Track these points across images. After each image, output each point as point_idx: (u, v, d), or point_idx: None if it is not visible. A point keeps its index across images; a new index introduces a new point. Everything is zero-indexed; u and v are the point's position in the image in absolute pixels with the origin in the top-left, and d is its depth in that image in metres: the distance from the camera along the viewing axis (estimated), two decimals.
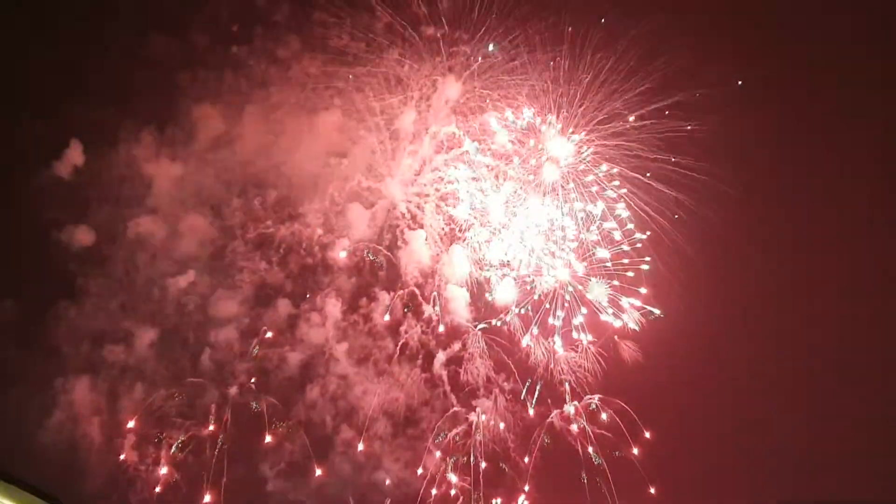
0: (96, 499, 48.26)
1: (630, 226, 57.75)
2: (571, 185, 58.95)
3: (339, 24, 56.73)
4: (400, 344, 58.86)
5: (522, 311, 58.07)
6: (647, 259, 57.22)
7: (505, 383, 58.79)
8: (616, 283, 57.76)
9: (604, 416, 57.58)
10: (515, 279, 58.68)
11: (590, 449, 57.80)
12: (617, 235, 58.34)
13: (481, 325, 58.66)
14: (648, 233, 57.23)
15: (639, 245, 57.67)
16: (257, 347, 56.16)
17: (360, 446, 58.07)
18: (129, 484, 51.34)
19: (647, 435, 56.56)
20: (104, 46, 53.77)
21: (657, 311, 56.94)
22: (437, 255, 59.13)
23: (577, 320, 57.86)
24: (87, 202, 53.31)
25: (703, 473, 54.64)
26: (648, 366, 57.16)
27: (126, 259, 54.64)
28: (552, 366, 58.26)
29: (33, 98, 52.73)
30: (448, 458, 59.32)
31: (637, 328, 57.15)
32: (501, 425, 58.97)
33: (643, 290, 57.29)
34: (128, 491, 51.24)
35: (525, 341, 58.17)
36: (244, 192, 57.24)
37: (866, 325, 55.05)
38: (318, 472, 56.50)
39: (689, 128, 56.04)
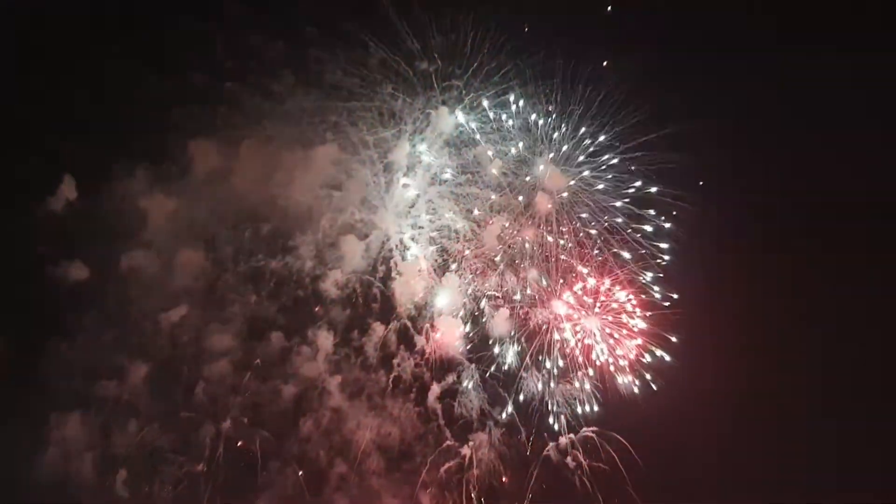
0: None
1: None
2: (564, 215, 60.11)
3: (334, 60, 58.22)
4: (393, 377, 59.60)
5: (517, 343, 58.96)
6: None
7: (500, 416, 59.42)
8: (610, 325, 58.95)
9: (600, 451, 58.15)
10: (510, 311, 59.49)
11: (586, 482, 58.34)
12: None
13: (475, 357, 59.44)
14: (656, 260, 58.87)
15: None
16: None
17: (354, 481, 58.73)
18: None
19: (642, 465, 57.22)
20: (98, 82, 54.92)
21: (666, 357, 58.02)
22: (431, 286, 59.99)
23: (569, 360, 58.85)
24: (80, 237, 54.13)
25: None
26: (645, 399, 57.83)
27: (119, 293, 55.34)
28: (547, 398, 59.00)
29: (26, 134, 53.81)
30: (444, 492, 59.85)
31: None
32: (496, 458, 59.54)
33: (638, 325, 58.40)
34: None
35: (520, 373, 59.00)
36: (237, 226, 58.22)
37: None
38: None
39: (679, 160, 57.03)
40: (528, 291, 59.54)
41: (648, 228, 58.39)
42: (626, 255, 58.65)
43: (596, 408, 58.40)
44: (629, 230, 59.24)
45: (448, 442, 59.67)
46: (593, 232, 59.61)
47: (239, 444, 56.07)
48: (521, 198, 60.04)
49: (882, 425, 55.31)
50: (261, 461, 56.83)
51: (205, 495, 54.86)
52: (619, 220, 59.32)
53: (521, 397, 59.14)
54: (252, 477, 56.57)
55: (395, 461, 60.21)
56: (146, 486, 53.13)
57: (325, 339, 58.81)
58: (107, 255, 54.52)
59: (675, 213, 57.54)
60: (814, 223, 57.81)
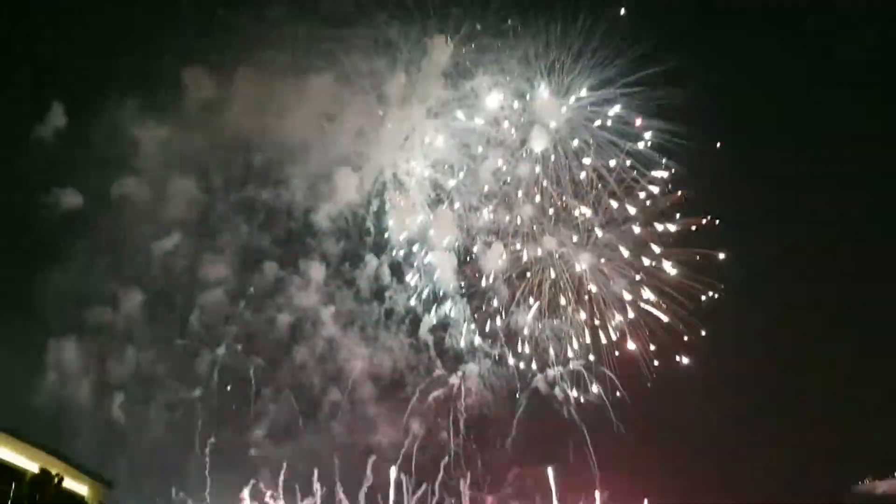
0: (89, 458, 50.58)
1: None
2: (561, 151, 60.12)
3: None
4: (385, 309, 60.89)
5: (509, 278, 59.85)
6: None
7: (490, 349, 60.83)
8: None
9: (587, 383, 59.68)
10: (503, 246, 59.99)
11: (573, 413, 60.19)
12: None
13: (467, 291, 60.47)
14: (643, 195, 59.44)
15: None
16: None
17: (346, 407, 60.75)
18: (120, 443, 53.65)
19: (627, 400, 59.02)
20: (88, 7, 54.11)
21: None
22: (425, 221, 60.49)
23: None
24: (72, 165, 54.37)
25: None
26: (634, 335, 59.01)
27: (111, 221, 56.05)
28: (536, 332, 60.30)
29: (11, 60, 53.42)
30: (435, 419, 61.88)
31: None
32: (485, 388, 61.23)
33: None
34: (118, 450, 53.50)
35: (511, 307, 60.13)
36: (230, 156, 58.52)
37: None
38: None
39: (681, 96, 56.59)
40: (522, 227, 60.14)
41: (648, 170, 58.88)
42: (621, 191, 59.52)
43: (585, 342, 59.66)
44: (627, 165, 59.53)
45: (438, 372, 61.37)
46: (588, 165, 59.94)
47: None
48: (516, 132, 60.29)
49: None
50: (255, 388, 58.64)
51: (200, 420, 56.97)
52: (617, 156, 59.66)
53: (512, 330, 60.45)
54: (247, 403, 58.51)
55: (387, 390, 62.15)
56: (143, 410, 54.98)
57: (317, 271, 59.92)
58: (99, 184, 55.12)
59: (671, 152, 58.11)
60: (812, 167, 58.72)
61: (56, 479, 29.74)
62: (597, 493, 59.21)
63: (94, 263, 55.56)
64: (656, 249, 58.59)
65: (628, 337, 58.89)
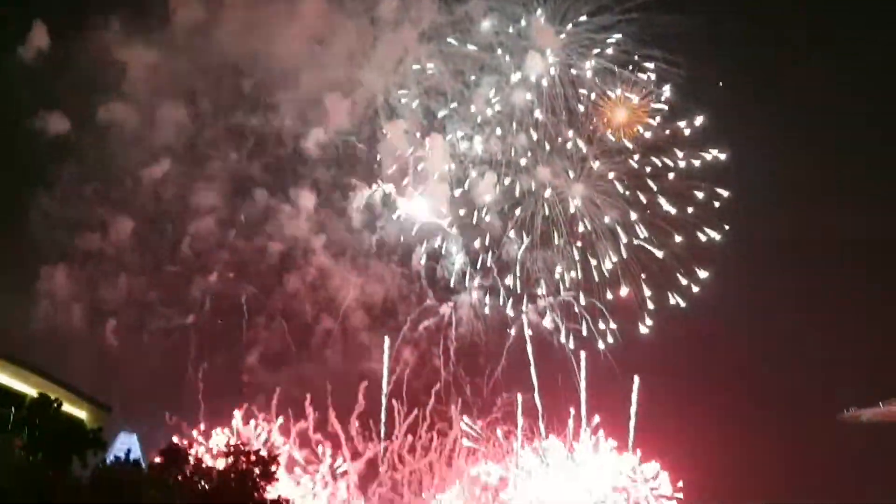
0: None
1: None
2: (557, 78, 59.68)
3: None
4: (376, 239, 61.21)
5: (501, 209, 60.14)
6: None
7: (482, 280, 61.55)
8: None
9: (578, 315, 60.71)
10: (497, 176, 59.96)
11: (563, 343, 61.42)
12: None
13: (460, 221, 60.72)
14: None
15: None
16: None
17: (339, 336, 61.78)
18: (114, 369, 54.51)
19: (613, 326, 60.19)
20: None
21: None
22: (417, 148, 60.26)
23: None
24: (58, 88, 53.63)
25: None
26: (623, 268, 59.89)
27: (99, 147, 55.71)
28: (529, 262, 60.99)
29: None
30: (427, 348, 63.04)
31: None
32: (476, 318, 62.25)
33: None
34: (112, 376, 54.43)
35: (503, 237, 60.64)
36: (218, 81, 57.78)
37: None
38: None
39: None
40: (516, 158, 60.09)
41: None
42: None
43: (576, 274, 60.45)
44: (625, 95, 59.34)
45: (430, 301, 62.20)
46: (585, 94, 59.68)
47: None
48: (511, 59, 59.67)
49: None
50: (247, 315, 59.41)
51: (193, 347, 57.87)
52: (614, 86, 59.37)
53: (504, 262, 61.09)
54: (239, 330, 59.39)
55: (378, 318, 63.09)
56: (135, 337, 55.74)
57: (308, 199, 59.92)
58: (85, 108, 54.42)
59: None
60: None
61: (55, 404, 30.34)
62: (583, 421, 61.06)
63: (82, 190, 55.43)
64: (653, 185, 58.93)
65: (620, 272, 60.01)
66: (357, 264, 61.00)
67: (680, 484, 58.11)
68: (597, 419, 59.64)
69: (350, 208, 60.14)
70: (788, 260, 60.12)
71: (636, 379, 59.37)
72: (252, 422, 56.60)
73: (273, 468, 34.12)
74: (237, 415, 56.23)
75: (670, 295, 58.87)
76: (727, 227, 58.14)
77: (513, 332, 63.37)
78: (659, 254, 58.48)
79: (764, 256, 60.36)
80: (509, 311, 62.05)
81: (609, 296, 59.30)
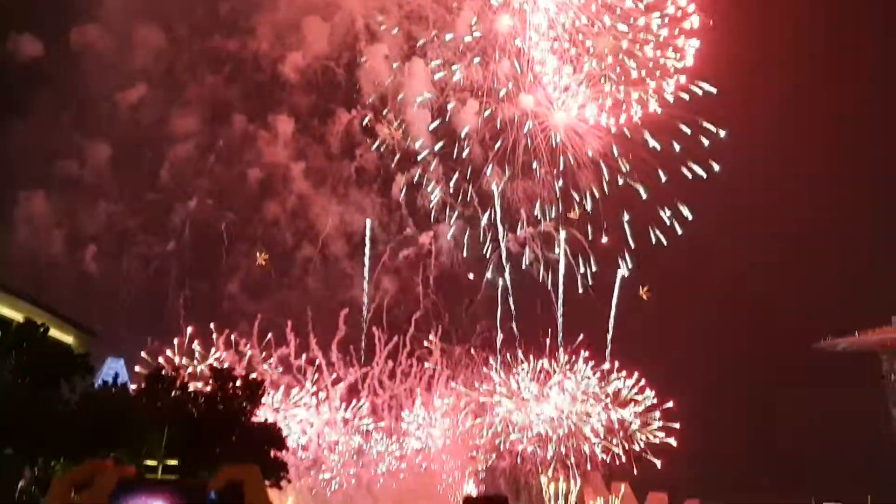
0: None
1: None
2: None
3: None
4: (356, 167, 61.39)
5: (483, 138, 60.30)
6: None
7: (464, 209, 62.12)
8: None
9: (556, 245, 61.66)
10: (479, 105, 59.85)
11: (542, 272, 62.65)
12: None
13: (440, 150, 60.87)
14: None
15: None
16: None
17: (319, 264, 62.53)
18: (95, 295, 55.00)
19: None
20: None
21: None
22: (398, 75, 59.89)
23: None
24: (29, 10, 52.55)
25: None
26: (604, 199, 60.64)
27: (73, 71, 54.83)
28: (509, 193, 61.59)
29: None
30: (407, 277, 64.03)
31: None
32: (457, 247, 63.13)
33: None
34: (93, 302, 54.99)
35: (484, 168, 61.02)
36: (196, 3, 56.75)
37: None
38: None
39: None
40: (497, 85, 59.93)
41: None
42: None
43: (558, 206, 61.17)
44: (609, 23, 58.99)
45: (410, 231, 62.89)
46: (570, 17, 59.20)
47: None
48: None
49: None
50: (227, 242, 59.81)
51: (174, 274, 58.42)
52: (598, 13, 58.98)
53: (484, 191, 61.62)
54: (219, 257, 59.90)
55: (358, 247, 63.80)
56: (116, 263, 56.08)
57: (286, 125, 59.71)
58: (58, 31, 53.43)
59: None
60: None
61: (42, 328, 30.94)
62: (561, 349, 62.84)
63: (58, 115, 54.77)
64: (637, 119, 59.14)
65: (602, 206, 60.84)
66: (337, 192, 61.32)
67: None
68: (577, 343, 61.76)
69: (329, 135, 59.99)
70: (771, 197, 61.32)
71: (613, 304, 61.41)
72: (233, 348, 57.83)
73: (259, 392, 35.18)
74: (220, 343, 57.43)
75: (651, 231, 59.94)
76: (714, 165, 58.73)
77: (492, 262, 64.62)
78: (642, 190, 59.22)
79: (749, 194, 61.47)
80: (489, 242, 63.17)
81: (589, 230, 60.44)
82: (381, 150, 60.66)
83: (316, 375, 60.69)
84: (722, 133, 57.93)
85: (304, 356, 60.74)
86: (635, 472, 63.80)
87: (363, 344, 62.74)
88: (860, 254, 60.93)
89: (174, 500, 0.84)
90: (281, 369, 58.73)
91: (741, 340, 62.35)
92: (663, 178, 58.73)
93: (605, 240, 60.46)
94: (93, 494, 0.84)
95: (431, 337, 62.74)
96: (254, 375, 37.97)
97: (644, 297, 61.80)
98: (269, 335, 60.22)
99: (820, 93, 60.76)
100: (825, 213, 60.22)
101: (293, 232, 62.63)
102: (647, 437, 62.10)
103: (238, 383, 34.96)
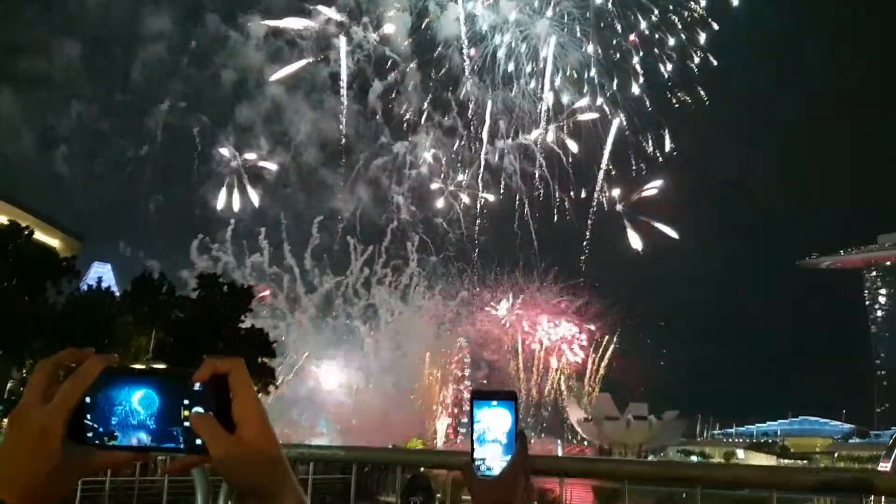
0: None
1: None
2: None
3: None
4: (330, 72, 60.65)
5: (464, 45, 59.85)
6: None
7: (443, 119, 62.13)
8: None
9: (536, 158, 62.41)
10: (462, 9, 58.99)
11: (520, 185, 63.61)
12: None
13: (421, 58, 60.37)
14: None
15: None
16: None
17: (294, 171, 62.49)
18: (68, 199, 54.68)
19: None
20: None
21: None
22: None
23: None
24: None
25: None
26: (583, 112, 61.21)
27: None
28: (489, 103, 61.68)
29: None
30: (384, 187, 64.40)
31: None
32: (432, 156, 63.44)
33: None
34: (66, 206, 54.71)
35: (464, 77, 60.83)
36: None
37: None
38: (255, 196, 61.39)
39: None
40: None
41: None
42: None
43: (540, 118, 61.60)
44: None
45: (385, 139, 62.74)
46: None
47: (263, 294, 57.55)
48: None
49: None
50: (200, 147, 59.28)
51: (146, 178, 58.05)
52: None
53: (463, 101, 61.60)
54: (192, 162, 59.48)
55: (333, 156, 63.71)
56: (88, 167, 55.53)
57: (259, 27, 58.53)
58: None
59: None
60: None
61: (26, 232, 31.07)
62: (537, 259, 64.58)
63: (21, 8, 53.06)
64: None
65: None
66: (311, 99, 60.70)
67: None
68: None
69: (304, 36, 58.90)
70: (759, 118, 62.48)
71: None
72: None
73: (247, 300, 35.97)
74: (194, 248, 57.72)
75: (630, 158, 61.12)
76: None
77: (469, 172, 65.22)
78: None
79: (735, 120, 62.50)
80: (467, 151, 63.61)
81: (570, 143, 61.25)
82: (357, 56, 59.86)
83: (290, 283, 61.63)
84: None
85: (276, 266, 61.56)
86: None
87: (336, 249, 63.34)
88: (845, 177, 63.22)
89: (157, 387, 0.83)
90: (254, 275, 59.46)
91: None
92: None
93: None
94: (78, 378, 0.82)
95: None
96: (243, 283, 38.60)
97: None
98: (244, 242, 60.81)
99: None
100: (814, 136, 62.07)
101: (268, 137, 62.24)
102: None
103: (226, 289, 35.64)
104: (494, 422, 1.16)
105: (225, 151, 60.87)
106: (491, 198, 64.16)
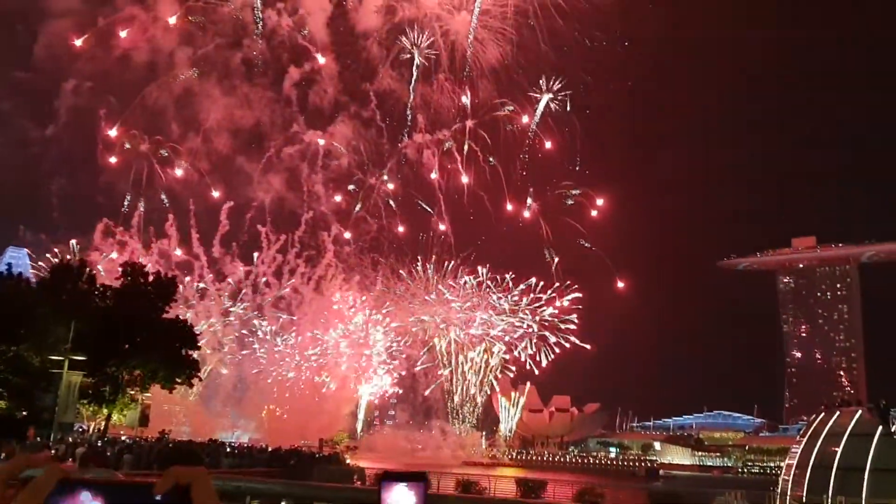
0: None
1: None
2: None
3: None
4: (243, 58, 60.17)
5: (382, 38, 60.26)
6: None
7: (362, 110, 62.56)
8: None
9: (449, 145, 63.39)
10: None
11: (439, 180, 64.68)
12: None
13: (338, 47, 60.53)
14: None
15: None
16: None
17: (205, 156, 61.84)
18: None
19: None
20: None
21: None
22: None
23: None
24: None
25: None
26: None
27: None
28: (410, 98, 62.48)
29: None
30: (299, 176, 64.47)
31: None
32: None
33: None
34: None
35: (382, 67, 61.32)
36: None
37: None
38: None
39: None
40: None
41: None
42: None
43: (461, 111, 62.77)
44: None
45: (298, 129, 62.75)
46: None
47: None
48: None
49: None
50: (105, 129, 58.04)
51: (49, 160, 56.48)
52: None
53: (382, 92, 62.15)
54: (97, 144, 58.26)
55: (246, 143, 63.43)
56: None
57: (170, 7, 57.75)
58: None
59: None
60: None
61: None
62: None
63: None
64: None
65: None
66: (223, 85, 60.13)
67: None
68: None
69: (217, 20, 58.43)
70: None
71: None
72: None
73: (171, 290, 35.70)
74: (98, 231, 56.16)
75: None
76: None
77: (389, 164, 65.88)
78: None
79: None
80: (384, 143, 64.16)
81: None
82: (272, 42, 59.55)
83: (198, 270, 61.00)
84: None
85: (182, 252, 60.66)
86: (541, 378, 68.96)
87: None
88: (763, 180, 66.68)
89: (115, 499, 0.85)
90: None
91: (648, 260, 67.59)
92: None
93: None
94: (31, 493, 0.84)
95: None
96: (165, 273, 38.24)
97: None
98: (151, 228, 59.83)
99: None
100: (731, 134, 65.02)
101: (178, 122, 61.44)
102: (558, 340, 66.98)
103: (150, 279, 35.26)
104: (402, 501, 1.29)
105: (132, 134, 60.00)
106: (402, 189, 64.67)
